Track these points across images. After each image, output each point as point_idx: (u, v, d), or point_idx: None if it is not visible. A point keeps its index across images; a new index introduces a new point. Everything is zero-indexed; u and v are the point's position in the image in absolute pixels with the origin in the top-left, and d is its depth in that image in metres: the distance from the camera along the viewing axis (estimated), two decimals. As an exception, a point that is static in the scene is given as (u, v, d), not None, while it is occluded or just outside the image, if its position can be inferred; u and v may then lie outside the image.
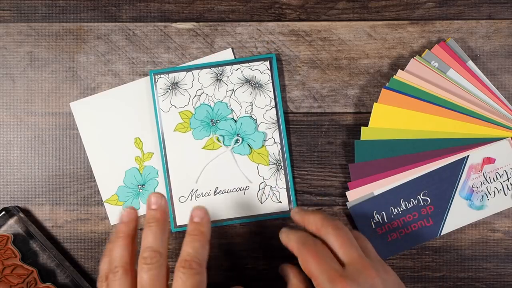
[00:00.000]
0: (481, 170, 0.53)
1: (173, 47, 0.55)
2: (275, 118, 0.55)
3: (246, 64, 0.55)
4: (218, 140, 0.54)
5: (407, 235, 0.53)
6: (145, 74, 0.55)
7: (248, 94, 0.55)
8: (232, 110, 0.55)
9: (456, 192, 0.53)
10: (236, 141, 0.54)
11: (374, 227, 0.53)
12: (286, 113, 0.55)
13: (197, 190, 0.55)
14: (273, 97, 0.55)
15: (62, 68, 0.55)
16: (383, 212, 0.53)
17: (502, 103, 0.53)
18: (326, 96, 0.55)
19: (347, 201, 0.54)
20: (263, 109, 0.55)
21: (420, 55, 0.54)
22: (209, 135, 0.55)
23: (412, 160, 0.53)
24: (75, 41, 0.55)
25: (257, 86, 0.55)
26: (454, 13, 0.55)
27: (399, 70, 0.53)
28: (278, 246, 0.55)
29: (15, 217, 0.54)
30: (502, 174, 0.53)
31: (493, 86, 0.54)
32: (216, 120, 0.55)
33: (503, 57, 0.55)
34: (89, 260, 0.55)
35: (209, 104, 0.55)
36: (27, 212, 0.55)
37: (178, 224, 0.55)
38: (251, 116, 0.55)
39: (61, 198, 0.55)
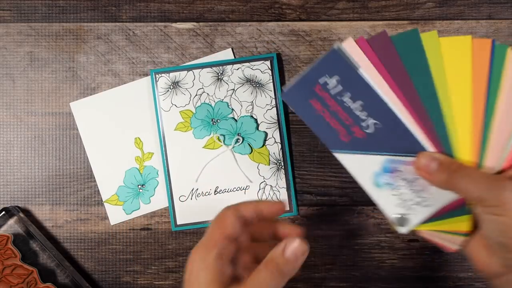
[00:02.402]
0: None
1: (173, 47, 0.55)
2: (276, 118, 0.55)
3: (247, 64, 0.55)
4: (218, 139, 0.54)
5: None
6: (145, 74, 0.55)
7: (248, 94, 0.55)
8: (232, 109, 0.55)
9: None
10: (237, 140, 0.54)
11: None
12: (286, 113, 0.55)
13: (197, 189, 0.55)
14: (273, 97, 0.55)
15: (62, 68, 0.55)
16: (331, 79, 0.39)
17: (502, 103, 0.53)
18: (326, 96, 0.55)
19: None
20: (264, 109, 0.55)
21: (420, 55, 0.54)
22: (210, 134, 0.55)
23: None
24: (75, 41, 0.55)
25: (257, 85, 0.55)
26: (454, 13, 0.55)
27: (399, 70, 0.53)
28: (278, 246, 0.55)
29: (15, 217, 0.54)
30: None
31: (493, 86, 0.54)
32: (217, 120, 0.55)
33: (502, 57, 0.55)
34: (89, 260, 0.55)
35: (209, 103, 0.55)
36: (27, 212, 0.55)
37: (178, 223, 0.55)
38: (251, 116, 0.55)
39: (61, 198, 0.55)
